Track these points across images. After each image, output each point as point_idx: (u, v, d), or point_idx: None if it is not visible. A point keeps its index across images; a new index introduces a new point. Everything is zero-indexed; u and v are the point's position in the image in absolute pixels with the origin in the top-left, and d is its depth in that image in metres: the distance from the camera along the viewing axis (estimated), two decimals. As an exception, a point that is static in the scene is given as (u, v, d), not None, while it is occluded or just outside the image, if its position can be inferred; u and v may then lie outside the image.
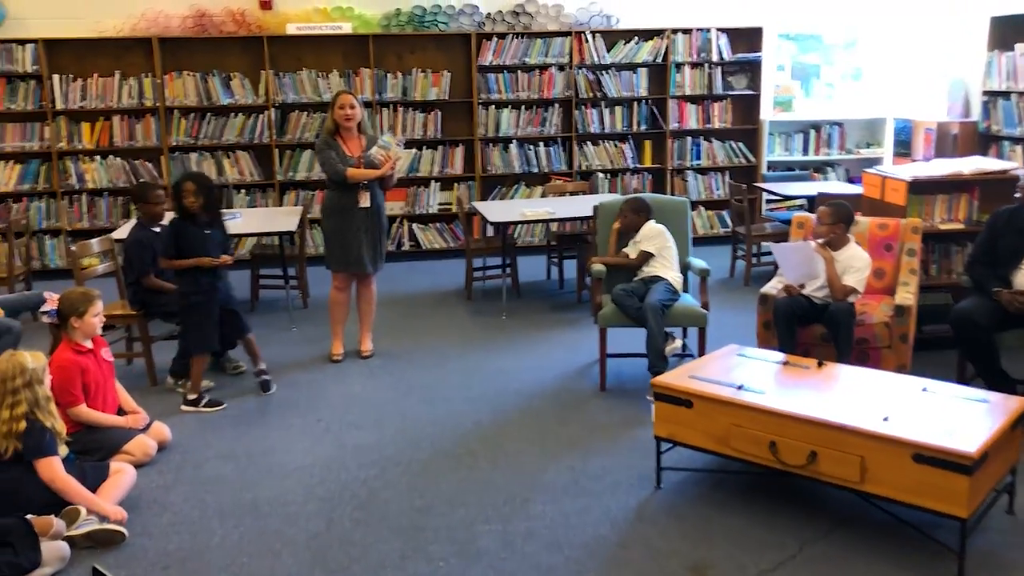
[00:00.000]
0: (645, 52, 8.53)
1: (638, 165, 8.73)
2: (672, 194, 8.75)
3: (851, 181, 8.55)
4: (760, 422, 3.47)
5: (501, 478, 3.95)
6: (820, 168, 8.98)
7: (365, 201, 5.37)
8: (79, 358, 4.12)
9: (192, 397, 4.86)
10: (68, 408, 3.98)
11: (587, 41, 8.39)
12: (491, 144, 8.47)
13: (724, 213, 8.89)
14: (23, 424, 3.47)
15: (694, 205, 8.90)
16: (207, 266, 4.74)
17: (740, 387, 3.64)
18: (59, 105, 7.80)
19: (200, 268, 4.75)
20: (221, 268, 4.85)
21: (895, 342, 4.63)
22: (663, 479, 3.84)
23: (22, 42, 7.65)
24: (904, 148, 8.59)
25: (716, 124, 8.81)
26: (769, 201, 8.72)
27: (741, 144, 8.89)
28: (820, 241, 4.72)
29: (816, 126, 9.00)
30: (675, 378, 3.81)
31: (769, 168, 8.84)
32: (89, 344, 4.20)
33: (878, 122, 9.05)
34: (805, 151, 9.00)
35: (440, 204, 8.48)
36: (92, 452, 4.00)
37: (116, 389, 4.35)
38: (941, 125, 8.00)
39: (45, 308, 4.23)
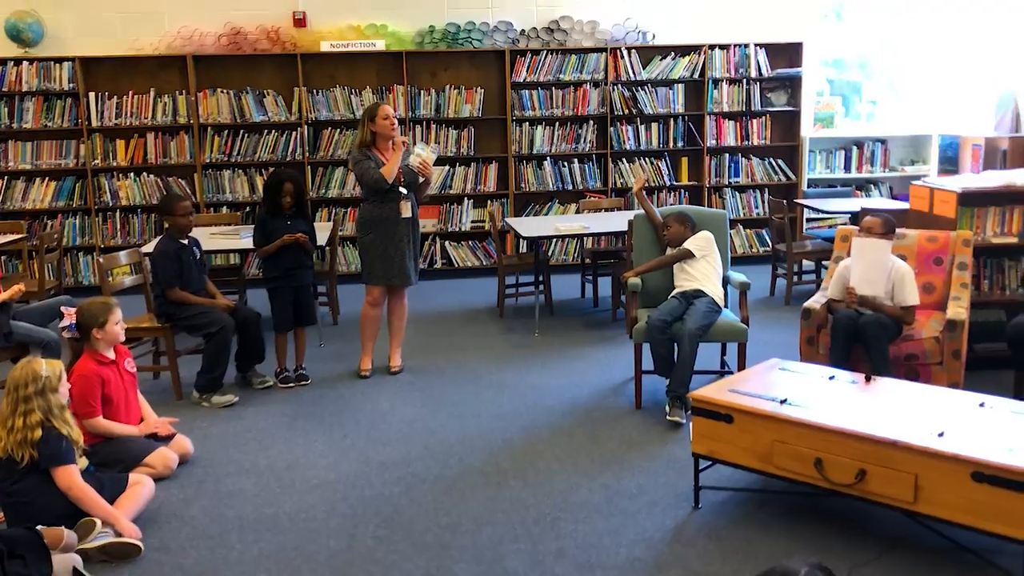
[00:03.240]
0: (681, 68, 8.39)
1: (675, 182, 8.57)
2: (709, 212, 8.57)
3: (895, 199, 8.30)
4: (805, 438, 3.27)
5: (531, 496, 3.78)
6: (863, 186, 8.74)
7: (407, 211, 5.30)
8: (101, 369, 4.03)
9: (278, 372, 5.37)
10: (85, 419, 3.88)
11: (622, 57, 8.27)
12: (525, 161, 8.37)
13: (764, 232, 8.68)
14: (39, 432, 3.37)
15: (732, 224, 8.71)
16: (290, 247, 5.19)
17: (784, 401, 3.44)
18: (94, 123, 7.84)
19: (282, 256, 5.20)
20: (303, 256, 5.29)
21: (947, 359, 4.40)
22: (702, 499, 3.65)
23: (59, 60, 7.71)
24: (951, 165, 8.33)
25: (755, 141, 8.63)
26: (810, 220, 8.50)
27: (781, 161, 8.69)
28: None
29: (858, 143, 8.77)
30: (715, 392, 3.62)
31: (810, 186, 8.63)
32: (112, 355, 4.12)
33: (923, 139, 8.80)
34: (847, 168, 8.78)
35: (473, 222, 8.38)
36: (112, 465, 3.89)
37: (139, 401, 4.26)
38: (989, 140, 7.74)
39: (64, 323, 4.15)
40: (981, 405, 3.39)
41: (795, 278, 7.16)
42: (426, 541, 3.42)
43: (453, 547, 3.37)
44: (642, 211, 5.34)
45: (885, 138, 8.79)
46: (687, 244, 4.99)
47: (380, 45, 8.07)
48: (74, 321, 4.09)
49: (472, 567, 3.22)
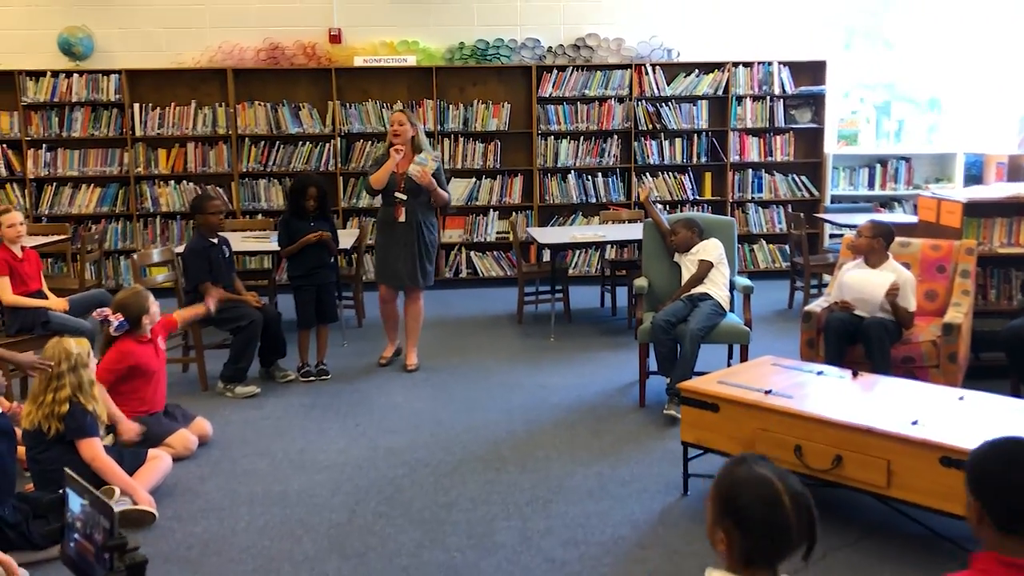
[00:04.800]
0: (705, 85, 8.54)
1: (698, 197, 8.70)
2: (733, 227, 8.68)
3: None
4: (786, 425, 3.40)
5: (527, 481, 3.94)
6: (886, 203, 8.78)
7: (401, 216, 5.54)
8: (139, 347, 4.35)
9: (300, 367, 5.58)
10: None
11: (647, 74, 8.46)
12: (549, 174, 8.57)
13: (786, 247, 8.76)
14: (67, 407, 3.62)
15: (755, 238, 8.82)
16: (313, 248, 5.44)
17: (768, 391, 3.57)
18: (138, 132, 8.21)
19: (305, 256, 5.44)
20: (326, 256, 5.54)
21: (943, 362, 4.48)
22: (691, 486, 3.78)
23: (107, 72, 8.10)
24: (976, 182, 8.34)
25: (778, 157, 8.74)
26: (833, 235, 8.56)
27: (804, 178, 8.78)
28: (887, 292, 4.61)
29: (882, 160, 8.83)
30: (703, 382, 3.76)
31: (833, 202, 8.69)
32: (149, 334, 4.42)
33: (948, 157, 8.82)
34: (871, 186, 8.83)
35: (498, 232, 8.59)
36: (136, 443, 4.15)
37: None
38: (1012, 158, 7.77)
39: (113, 326, 4.32)
40: (960, 399, 3.49)
41: (813, 290, 7.23)
42: (423, 517, 3.60)
43: (448, 523, 3.54)
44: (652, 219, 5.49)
45: (909, 156, 8.84)
46: (703, 256, 5.09)
47: (411, 61, 8.35)
48: (122, 319, 4.33)
49: (463, 540, 3.39)
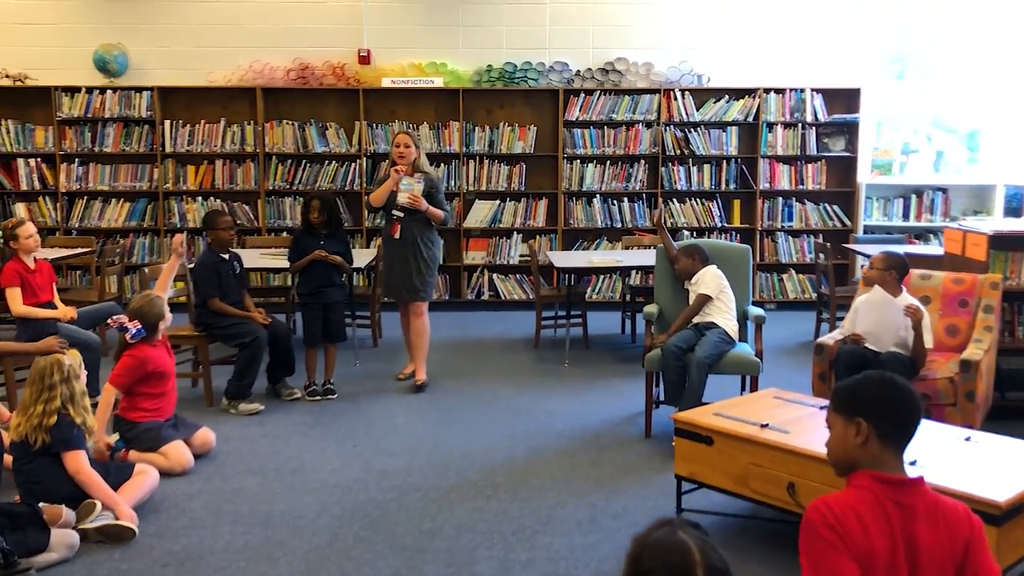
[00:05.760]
0: (735, 111, 8.42)
1: (726, 224, 8.55)
2: (762, 256, 8.53)
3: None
4: (779, 462, 3.26)
5: (517, 510, 3.84)
6: (921, 235, 8.55)
7: (396, 233, 5.63)
8: (153, 351, 4.40)
9: (306, 385, 5.57)
10: (111, 383, 4.31)
11: (676, 99, 8.36)
12: (574, 198, 8.49)
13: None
14: (54, 418, 3.61)
15: (784, 268, 8.63)
16: (320, 266, 5.43)
17: (765, 425, 3.44)
18: (168, 148, 8.32)
19: (313, 273, 5.45)
20: (335, 274, 5.53)
21: (960, 400, 4.29)
22: (685, 522, 3.64)
23: (139, 89, 8.23)
24: (1015, 216, 8.09)
25: (809, 186, 8.56)
26: (863, 267, 8.33)
27: (836, 207, 8.59)
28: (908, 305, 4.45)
29: (918, 191, 8.60)
30: (698, 415, 3.64)
31: (866, 232, 8.49)
32: (160, 337, 4.51)
33: (988, 188, 8.56)
34: (905, 216, 8.60)
35: (521, 255, 8.52)
36: (138, 441, 4.25)
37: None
38: (1053, 191, 7.52)
39: (131, 332, 4.35)
40: (967, 439, 3.32)
41: (838, 323, 7.02)
42: (404, 543, 3.52)
43: (429, 550, 3.45)
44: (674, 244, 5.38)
45: (946, 187, 8.60)
46: (700, 288, 4.96)
47: (439, 82, 8.36)
48: (139, 326, 4.36)
49: (441, 569, 3.30)
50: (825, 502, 1.98)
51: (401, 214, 5.58)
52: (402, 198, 5.53)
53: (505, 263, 8.54)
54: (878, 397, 2.08)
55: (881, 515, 1.96)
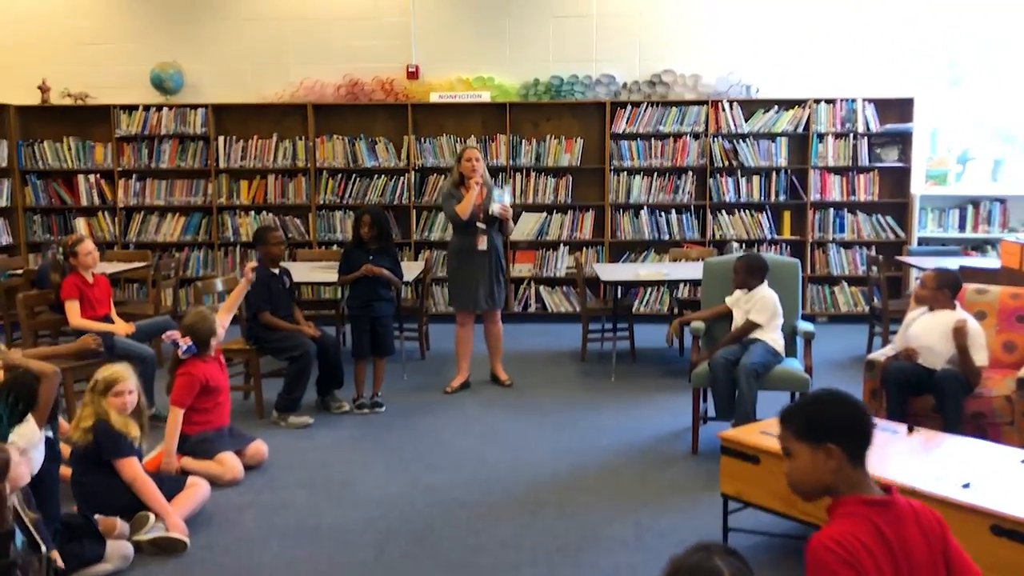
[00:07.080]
0: (785, 121, 8.33)
1: (776, 236, 8.45)
2: (813, 268, 8.41)
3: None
4: (828, 482, 3.20)
5: (562, 527, 3.84)
6: (978, 246, 8.35)
7: (483, 244, 5.83)
8: (205, 366, 4.50)
9: (355, 399, 5.63)
10: (172, 404, 4.39)
11: (724, 110, 8.30)
12: (621, 210, 8.47)
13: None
14: (90, 422, 3.69)
15: (836, 280, 8.50)
16: (368, 280, 5.47)
17: (812, 445, 3.38)
18: (222, 164, 8.50)
19: (361, 288, 5.50)
20: (383, 289, 5.56)
21: (1017, 419, 4.19)
22: (733, 542, 3.60)
23: (194, 107, 8.43)
24: (1078, 227, 7.88)
25: (861, 197, 8.42)
26: (919, 279, 8.16)
27: (889, 218, 8.44)
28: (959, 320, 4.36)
29: (975, 202, 8.41)
30: (745, 433, 3.60)
31: (920, 244, 8.32)
32: (213, 353, 4.59)
33: (1049, 199, 8.35)
34: (962, 228, 8.41)
35: (568, 268, 8.51)
36: (192, 453, 4.35)
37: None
38: (1117, 201, 7.29)
39: (182, 348, 4.48)
40: (1022, 461, 3.23)
41: (891, 337, 6.89)
42: (449, 559, 3.54)
43: (473, 566, 3.47)
44: (715, 258, 5.33)
45: (1005, 197, 8.39)
46: (753, 316, 4.85)
47: (486, 97, 8.41)
48: (191, 342, 4.48)
49: (486, 586, 3.31)
50: (832, 538, 1.93)
51: (484, 226, 5.78)
52: (495, 207, 5.75)
53: (552, 275, 8.55)
54: (842, 418, 2.07)
55: (881, 541, 1.95)
